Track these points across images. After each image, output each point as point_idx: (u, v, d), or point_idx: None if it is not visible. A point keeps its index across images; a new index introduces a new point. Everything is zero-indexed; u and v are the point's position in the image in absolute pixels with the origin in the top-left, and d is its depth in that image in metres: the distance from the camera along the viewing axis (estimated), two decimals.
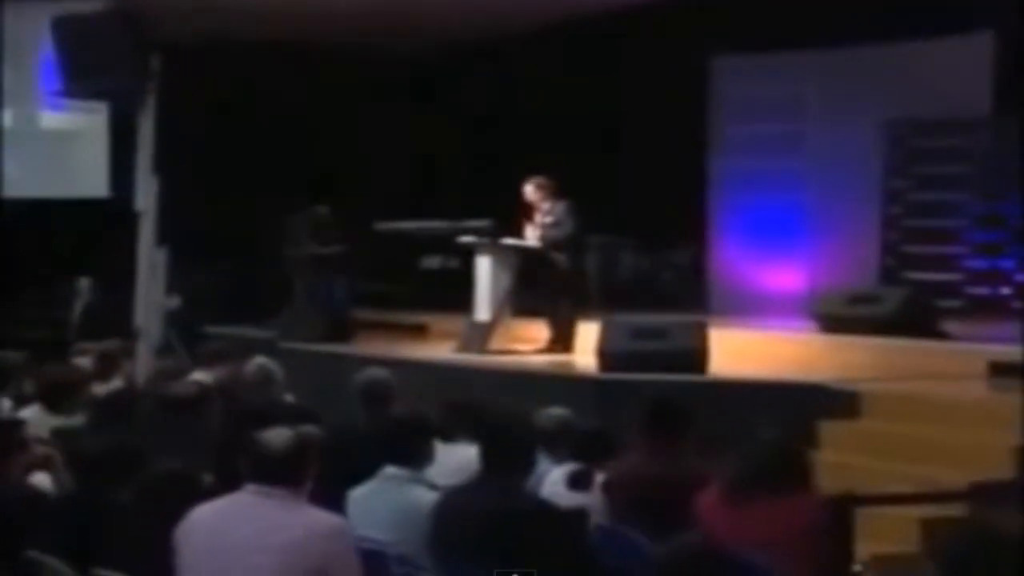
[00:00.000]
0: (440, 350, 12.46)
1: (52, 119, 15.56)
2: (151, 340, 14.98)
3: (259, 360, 8.34)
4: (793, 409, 9.39)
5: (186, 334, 14.76)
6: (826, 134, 15.39)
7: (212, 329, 14.88)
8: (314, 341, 13.20)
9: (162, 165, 14.93)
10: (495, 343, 11.99)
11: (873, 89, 14.81)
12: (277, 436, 5.20)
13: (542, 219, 12.23)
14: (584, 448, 6.61)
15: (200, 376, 8.73)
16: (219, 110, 15.68)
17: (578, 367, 11.23)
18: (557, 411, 7.03)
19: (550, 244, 12.13)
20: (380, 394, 7.47)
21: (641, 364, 10.29)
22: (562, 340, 12.20)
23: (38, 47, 14.39)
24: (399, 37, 16.41)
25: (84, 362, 10.33)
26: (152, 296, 15.03)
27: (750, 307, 15.03)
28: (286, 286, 14.35)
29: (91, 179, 15.77)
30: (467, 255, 12.67)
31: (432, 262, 16.73)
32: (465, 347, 12.07)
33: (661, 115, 15.94)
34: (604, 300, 14.28)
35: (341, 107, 16.44)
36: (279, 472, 5.08)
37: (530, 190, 12.32)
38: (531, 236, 12.22)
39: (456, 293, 15.06)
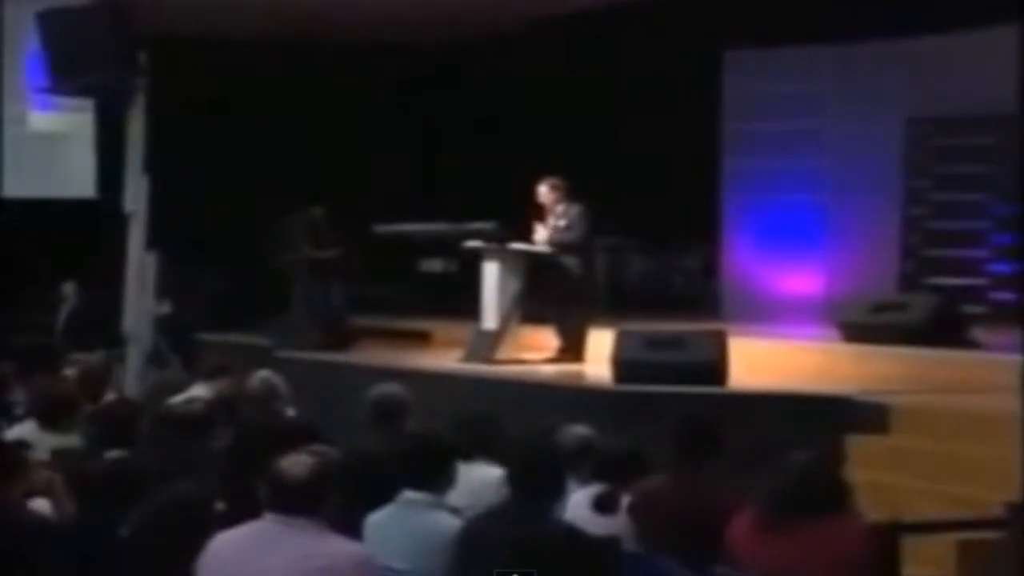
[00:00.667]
0: (445, 359, 12.39)
1: (38, 118, 15.48)
2: (140, 347, 14.92)
3: (262, 374, 8.27)
4: (819, 423, 9.35)
5: (177, 341, 14.71)
6: (845, 131, 15.36)
7: (204, 336, 14.85)
8: (312, 349, 13.15)
9: (152, 165, 14.87)
10: (503, 352, 11.91)
11: (895, 84, 14.80)
12: (296, 463, 5.15)
13: (554, 222, 12.16)
14: (609, 468, 6.54)
15: (200, 390, 8.66)
16: (212, 107, 15.58)
17: (590, 378, 11.16)
18: (579, 429, 6.96)
19: (560, 248, 12.06)
20: (393, 411, 7.36)
21: (657, 375, 10.21)
22: (572, 349, 12.14)
23: (25, 43, 14.31)
24: (398, 34, 16.34)
25: (73, 374, 10.21)
26: (141, 301, 14.97)
27: (764, 313, 14.99)
28: (282, 291, 14.28)
29: (77, 179, 15.69)
30: (468, 258, 12.62)
31: (432, 265, 16.66)
32: (471, 356, 11.99)
33: (671, 111, 15.87)
34: (610, 305, 14.20)
35: (339, 105, 16.34)
36: (300, 501, 5.05)
37: (544, 191, 12.23)
38: (541, 239, 12.14)
39: (458, 298, 15.03)
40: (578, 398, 10.54)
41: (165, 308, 14.96)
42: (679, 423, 6.36)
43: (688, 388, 10.04)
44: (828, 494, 5.48)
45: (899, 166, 14.94)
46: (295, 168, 15.76)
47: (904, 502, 7.81)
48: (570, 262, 12.08)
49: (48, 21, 13.70)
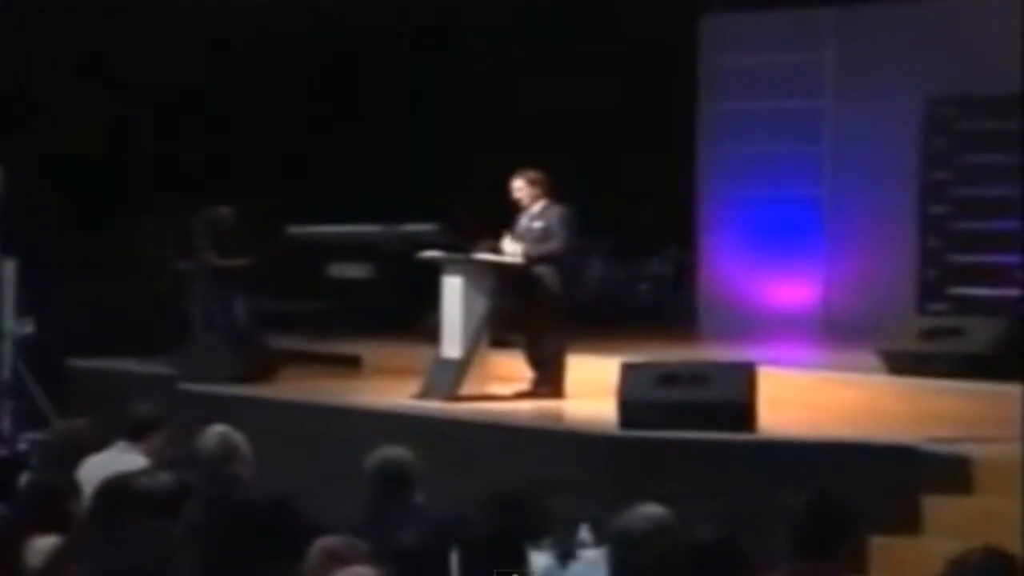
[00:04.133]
0: (393, 392, 12.03)
1: None
2: None
3: (218, 430, 7.65)
4: (883, 481, 9.01)
5: (41, 369, 14.26)
6: (848, 112, 15.30)
7: (77, 363, 14.45)
8: (227, 381, 12.71)
9: (4, 151, 14.26)
10: (468, 386, 11.51)
11: (910, 57, 14.70)
12: None
13: (528, 223, 11.84)
14: (701, 564, 6.04)
15: (125, 450, 8.07)
16: (83, 75, 15.00)
17: (589, 420, 10.77)
18: (651, 508, 6.45)
19: (535, 259, 11.70)
20: (400, 481, 6.97)
21: (672, 418, 9.94)
22: (549, 381, 11.85)
23: None
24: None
25: None
26: None
27: (748, 329, 14.92)
28: (177, 308, 13.94)
29: None
30: (392, 262, 12.27)
31: (345, 271, 16.24)
32: (430, 391, 11.62)
33: (637, 89, 15.82)
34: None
35: (246, 77, 15.81)
36: None
37: (519, 186, 11.95)
38: (509, 246, 11.81)
39: (380, 310, 14.65)
40: (577, 445, 10.22)
41: (26, 328, 14.45)
42: (806, 504, 5.87)
43: (711, 434, 9.79)
44: None
45: (915, 155, 14.83)
46: (191, 157, 15.26)
47: None
48: (547, 275, 11.74)
49: None
